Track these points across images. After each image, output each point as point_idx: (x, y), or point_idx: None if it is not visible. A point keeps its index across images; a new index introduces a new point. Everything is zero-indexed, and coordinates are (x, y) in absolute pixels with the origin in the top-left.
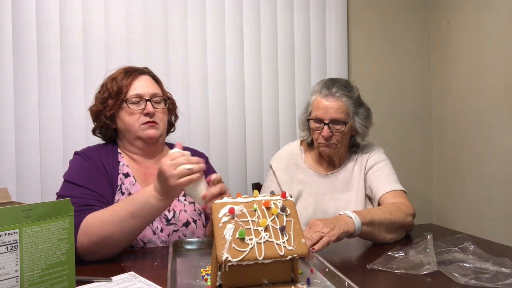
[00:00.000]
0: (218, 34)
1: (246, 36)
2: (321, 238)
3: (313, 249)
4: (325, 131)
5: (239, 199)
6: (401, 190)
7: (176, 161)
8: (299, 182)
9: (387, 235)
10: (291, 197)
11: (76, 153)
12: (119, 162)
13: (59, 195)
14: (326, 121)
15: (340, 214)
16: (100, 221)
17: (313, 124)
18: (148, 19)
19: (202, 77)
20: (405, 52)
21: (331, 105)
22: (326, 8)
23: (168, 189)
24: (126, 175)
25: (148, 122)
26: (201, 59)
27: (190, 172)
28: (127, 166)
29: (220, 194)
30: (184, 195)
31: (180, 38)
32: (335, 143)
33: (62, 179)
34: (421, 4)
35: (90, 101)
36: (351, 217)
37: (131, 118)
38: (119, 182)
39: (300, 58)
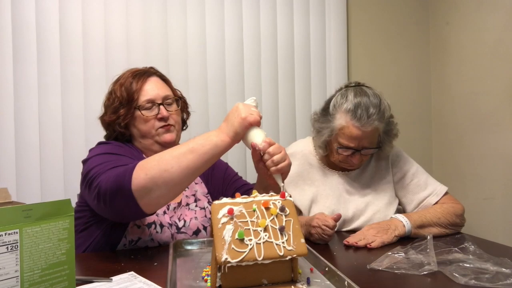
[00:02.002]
0: (218, 34)
1: (246, 37)
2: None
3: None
4: (357, 159)
5: (238, 200)
6: (444, 193)
7: (250, 106)
8: (312, 184)
9: (437, 233)
10: (290, 197)
11: (100, 142)
12: (144, 158)
13: (92, 167)
14: (358, 149)
15: (391, 218)
16: (158, 156)
17: (341, 151)
18: (148, 19)
19: (202, 77)
20: (405, 52)
21: (365, 135)
22: (326, 8)
23: (235, 125)
24: None
25: (164, 126)
26: (201, 59)
27: (259, 115)
28: None
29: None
30: (196, 201)
31: (180, 38)
32: (360, 163)
33: (62, 179)
34: (421, 4)
35: (90, 101)
36: (401, 222)
37: (146, 125)
38: None
39: (300, 58)
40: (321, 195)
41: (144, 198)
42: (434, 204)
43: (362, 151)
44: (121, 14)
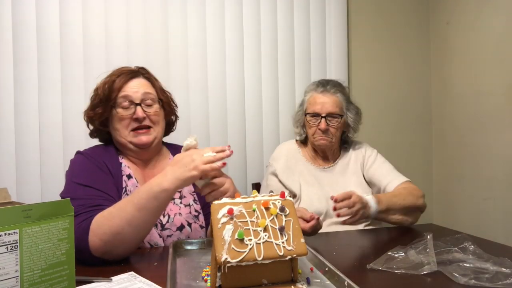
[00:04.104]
0: (218, 35)
1: (246, 37)
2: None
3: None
4: (323, 123)
5: (238, 200)
6: (406, 180)
7: (203, 150)
8: (299, 174)
9: (401, 217)
10: (289, 197)
11: (78, 152)
12: (121, 163)
13: (64, 197)
14: (323, 115)
15: (366, 198)
16: (108, 219)
17: (310, 119)
18: (148, 19)
19: (202, 77)
20: (405, 53)
21: (327, 100)
22: (326, 9)
23: (184, 179)
24: (129, 176)
25: (138, 127)
26: (201, 59)
27: (214, 159)
28: (128, 167)
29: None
30: (180, 197)
31: (180, 38)
32: (331, 137)
33: (62, 179)
34: (421, 4)
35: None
36: (371, 207)
37: (121, 124)
38: (123, 184)
39: (300, 59)
40: (308, 183)
41: (105, 256)
42: (396, 186)
43: (327, 118)
44: (121, 14)
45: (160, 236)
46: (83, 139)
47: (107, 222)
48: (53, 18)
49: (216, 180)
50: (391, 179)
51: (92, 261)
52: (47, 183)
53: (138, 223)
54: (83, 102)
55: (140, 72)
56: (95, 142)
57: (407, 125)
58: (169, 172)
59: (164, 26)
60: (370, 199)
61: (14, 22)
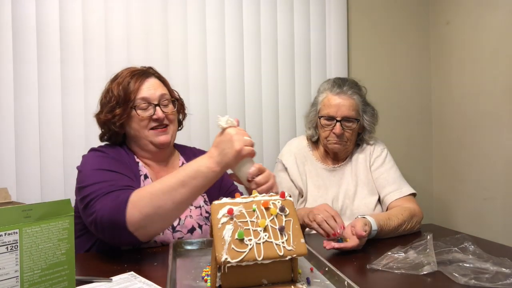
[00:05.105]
0: (218, 34)
1: (246, 36)
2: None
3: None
4: (338, 128)
5: (238, 200)
6: (411, 194)
7: (243, 132)
8: (308, 174)
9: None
10: (290, 196)
11: (93, 149)
12: (138, 162)
13: (87, 184)
14: (338, 118)
15: (366, 218)
16: (150, 192)
17: (324, 122)
18: (148, 19)
19: (202, 77)
20: (405, 52)
21: (343, 103)
22: (326, 8)
23: (229, 156)
24: (145, 176)
25: (157, 127)
26: (201, 59)
27: (252, 144)
28: (145, 167)
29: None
30: None
31: (180, 38)
32: (345, 141)
33: (62, 179)
34: (421, 4)
35: (90, 101)
36: (374, 231)
37: (141, 125)
38: (141, 184)
39: (300, 58)
40: (315, 185)
41: (139, 232)
42: (397, 200)
43: (342, 122)
44: (121, 14)
45: (173, 238)
46: (83, 139)
47: (149, 195)
48: (53, 18)
49: (262, 176)
50: (394, 190)
51: (123, 236)
52: (47, 183)
53: (181, 199)
54: (83, 102)
55: (151, 72)
56: (95, 141)
57: (407, 125)
58: (215, 153)
59: (164, 26)
60: (372, 222)
61: (14, 22)
